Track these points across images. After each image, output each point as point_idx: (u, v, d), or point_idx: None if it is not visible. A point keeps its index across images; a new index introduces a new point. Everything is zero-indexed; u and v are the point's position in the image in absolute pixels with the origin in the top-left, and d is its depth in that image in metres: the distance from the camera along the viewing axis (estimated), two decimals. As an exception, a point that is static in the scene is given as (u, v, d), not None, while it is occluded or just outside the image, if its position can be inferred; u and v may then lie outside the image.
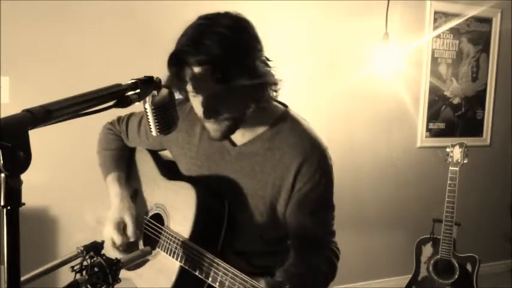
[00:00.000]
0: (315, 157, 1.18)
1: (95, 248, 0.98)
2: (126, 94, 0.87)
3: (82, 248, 0.98)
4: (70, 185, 2.43)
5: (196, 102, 1.11)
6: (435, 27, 3.30)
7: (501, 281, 3.54)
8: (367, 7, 3.04)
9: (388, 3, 3.04)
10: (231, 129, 1.16)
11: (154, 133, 0.98)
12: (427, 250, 2.75)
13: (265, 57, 1.14)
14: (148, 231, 1.34)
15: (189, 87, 1.08)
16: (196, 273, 1.14)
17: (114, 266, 0.98)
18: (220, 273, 1.09)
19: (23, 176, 0.65)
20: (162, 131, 0.98)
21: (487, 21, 3.51)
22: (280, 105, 1.26)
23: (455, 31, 3.40)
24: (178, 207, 1.25)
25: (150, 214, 1.35)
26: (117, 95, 0.84)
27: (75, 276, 0.94)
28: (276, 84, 1.15)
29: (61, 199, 2.45)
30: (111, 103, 0.83)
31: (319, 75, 2.99)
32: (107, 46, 2.50)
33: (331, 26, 2.99)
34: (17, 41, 2.31)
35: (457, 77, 3.46)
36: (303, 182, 1.17)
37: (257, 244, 1.28)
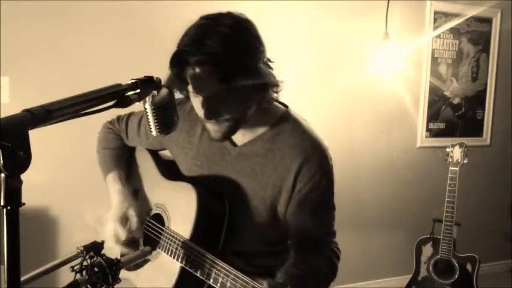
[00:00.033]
0: (315, 158, 1.18)
1: (95, 248, 0.98)
2: (126, 94, 0.87)
3: (82, 248, 0.98)
4: (70, 185, 2.43)
5: (197, 103, 1.11)
6: (435, 27, 3.30)
7: (501, 281, 3.54)
8: (367, 7, 3.04)
9: (388, 3, 3.04)
10: (232, 130, 1.16)
11: (154, 133, 0.98)
12: (427, 250, 2.75)
13: (267, 58, 1.14)
14: (148, 231, 1.34)
15: (190, 88, 1.08)
16: (198, 274, 1.14)
17: (114, 266, 0.98)
18: (222, 275, 1.09)
19: (23, 176, 0.65)
20: (162, 131, 0.98)
21: (487, 21, 3.51)
22: (280, 106, 1.26)
23: (455, 31, 3.40)
24: (178, 208, 1.25)
25: (150, 214, 1.35)
26: (117, 95, 0.84)
27: (75, 276, 0.94)
28: (277, 85, 1.15)
29: (61, 199, 2.45)
30: (111, 103, 0.83)
31: (319, 75, 2.99)
32: (107, 46, 2.50)
33: (331, 26, 2.99)
34: (17, 41, 2.31)
35: (457, 77, 3.46)
36: (303, 182, 1.17)
37: (257, 244, 1.28)
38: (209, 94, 1.06)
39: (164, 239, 1.25)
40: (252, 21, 1.12)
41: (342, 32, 3.00)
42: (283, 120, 1.22)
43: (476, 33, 3.49)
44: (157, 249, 1.26)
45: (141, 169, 1.46)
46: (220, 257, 1.14)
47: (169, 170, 1.37)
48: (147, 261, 1.29)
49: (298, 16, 2.90)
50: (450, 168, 2.64)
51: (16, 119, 0.66)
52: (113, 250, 1.32)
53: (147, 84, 0.91)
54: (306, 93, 2.87)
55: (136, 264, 1.25)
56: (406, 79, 3.22)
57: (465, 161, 2.62)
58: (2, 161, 0.62)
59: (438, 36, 3.34)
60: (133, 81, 0.89)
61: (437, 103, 3.41)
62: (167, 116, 0.97)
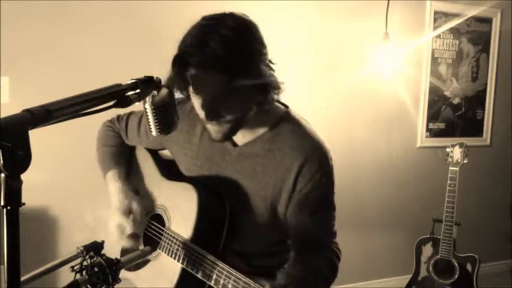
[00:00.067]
0: (315, 158, 1.18)
1: (95, 248, 0.98)
2: (126, 94, 0.86)
3: (82, 248, 0.98)
4: (70, 185, 2.43)
5: (198, 104, 1.11)
6: (435, 27, 3.30)
7: (501, 281, 3.54)
8: (367, 7, 3.04)
9: (388, 3, 3.04)
10: (233, 131, 1.16)
11: (154, 133, 0.98)
12: (427, 250, 2.75)
13: (269, 60, 1.14)
14: (149, 231, 1.34)
15: (192, 88, 1.08)
16: (199, 276, 1.14)
17: (114, 266, 0.98)
18: (223, 276, 1.09)
19: (23, 176, 0.65)
20: (162, 131, 0.98)
21: (487, 21, 3.51)
22: (281, 106, 1.26)
23: (455, 31, 3.40)
24: (179, 209, 1.25)
25: (151, 214, 1.35)
26: (117, 95, 0.84)
27: (75, 276, 0.94)
28: (279, 88, 1.15)
29: (61, 199, 2.45)
30: (111, 103, 0.83)
31: (319, 75, 2.99)
32: (107, 46, 2.50)
33: (331, 26, 2.99)
34: (17, 41, 2.31)
35: (457, 77, 3.46)
36: (303, 182, 1.17)
37: (257, 244, 1.28)
38: (211, 95, 1.06)
39: (165, 239, 1.25)
40: (255, 22, 1.11)
41: (342, 32, 3.00)
42: (283, 120, 1.22)
43: (476, 33, 3.48)
44: (158, 249, 1.26)
45: (141, 169, 1.46)
46: (220, 257, 1.14)
47: (169, 170, 1.37)
48: (147, 261, 1.29)
49: (298, 16, 2.90)
50: (450, 168, 2.64)
51: (16, 119, 0.66)
52: (118, 245, 1.31)
53: (147, 84, 0.91)
54: (306, 93, 2.87)
55: (136, 264, 1.25)
56: (406, 79, 3.22)
57: (465, 161, 2.62)
58: (2, 161, 0.62)
59: (438, 36, 3.33)
60: (133, 81, 0.89)
61: (437, 103, 3.41)
62: (167, 116, 0.97)
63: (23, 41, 2.34)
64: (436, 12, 3.28)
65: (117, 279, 0.98)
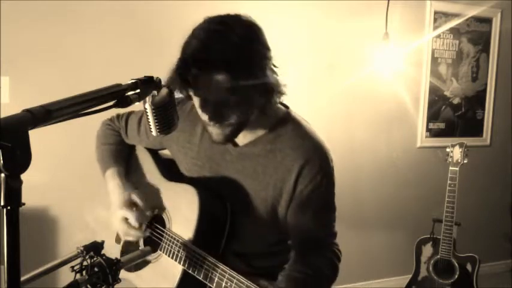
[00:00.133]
0: (316, 159, 1.18)
1: (95, 248, 0.98)
2: (126, 94, 0.86)
3: (82, 248, 0.98)
4: (70, 185, 2.43)
5: (201, 106, 1.11)
6: (435, 27, 3.30)
7: (501, 281, 3.54)
8: (367, 7, 3.04)
9: (388, 3, 3.04)
10: (234, 133, 1.17)
11: (154, 133, 0.98)
12: (427, 250, 2.75)
13: (273, 64, 1.14)
14: (149, 232, 1.33)
15: (195, 91, 1.08)
16: (200, 278, 1.14)
17: (114, 266, 0.98)
18: (225, 279, 1.09)
19: (23, 176, 0.65)
20: (162, 131, 0.98)
21: (487, 21, 3.51)
22: (281, 107, 1.26)
23: (455, 31, 3.40)
24: (180, 210, 1.25)
25: (156, 210, 1.35)
26: (117, 95, 0.84)
27: (75, 276, 0.94)
28: (282, 92, 1.15)
29: (61, 199, 2.45)
30: (111, 103, 0.83)
31: (319, 75, 2.99)
32: (107, 46, 2.50)
33: (331, 26, 2.99)
34: (17, 41, 2.31)
35: (457, 77, 3.46)
36: (304, 184, 1.17)
37: (257, 245, 1.28)
38: (215, 99, 1.06)
39: (165, 240, 1.25)
40: (260, 26, 1.11)
41: (342, 32, 3.00)
42: (284, 121, 1.22)
43: (476, 33, 3.48)
44: (159, 251, 1.26)
45: (141, 169, 1.46)
46: (221, 258, 1.13)
47: (169, 170, 1.37)
48: (147, 262, 1.29)
49: (298, 16, 2.90)
50: (450, 168, 2.64)
51: (16, 119, 0.66)
52: (123, 237, 1.30)
53: (147, 84, 0.91)
54: (306, 93, 2.87)
55: (136, 264, 1.25)
56: (406, 79, 3.22)
57: (465, 161, 2.62)
58: (2, 161, 0.62)
59: (438, 36, 3.33)
60: (133, 81, 0.89)
61: (437, 103, 3.40)
62: (167, 116, 0.97)
63: (23, 41, 2.34)
64: (436, 12, 3.28)
65: (117, 279, 0.98)
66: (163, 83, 0.97)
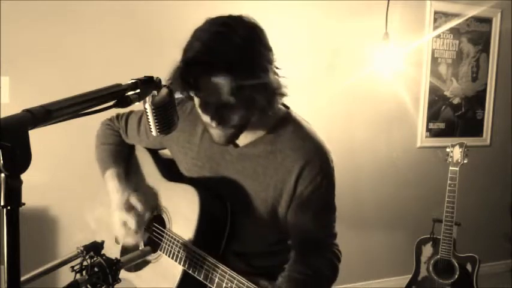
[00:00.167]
0: (316, 160, 1.18)
1: (95, 248, 0.98)
2: (126, 94, 0.86)
3: (82, 248, 0.97)
4: (70, 185, 2.43)
5: (203, 108, 1.11)
6: (435, 27, 3.30)
7: (501, 281, 3.54)
8: (367, 7, 3.04)
9: (388, 3, 3.04)
10: (236, 135, 1.17)
11: (154, 133, 0.98)
12: (427, 250, 2.75)
13: (275, 65, 1.14)
14: (149, 232, 1.33)
15: (198, 93, 1.08)
16: (200, 278, 1.14)
17: (114, 266, 0.98)
18: (226, 280, 1.09)
19: (23, 176, 0.65)
20: (162, 131, 0.98)
21: (487, 21, 3.51)
22: (282, 107, 1.25)
23: (455, 31, 3.40)
24: (180, 211, 1.25)
25: (153, 214, 1.35)
26: (117, 95, 0.84)
27: (75, 276, 0.94)
28: (284, 94, 1.15)
29: (61, 199, 2.45)
30: (111, 103, 0.83)
31: (319, 75, 2.99)
32: (107, 46, 2.50)
33: (331, 26, 2.99)
34: (17, 41, 2.31)
35: (457, 77, 3.46)
36: (304, 185, 1.17)
37: (257, 245, 1.28)
38: (217, 101, 1.06)
39: (165, 241, 1.25)
40: (262, 27, 1.11)
41: (342, 32, 3.00)
42: (284, 121, 1.22)
43: (476, 33, 3.48)
44: (159, 251, 1.26)
45: (141, 169, 1.46)
46: (221, 258, 1.13)
47: (169, 170, 1.37)
48: (147, 262, 1.29)
49: (298, 16, 2.90)
50: (450, 168, 2.64)
51: (16, 119, 0.66)
52: (122, 240, 1.30)
53: (147, 84, 0.91)
54: (306, 93, 2.87)
55: (136, 265, 1.25)
56: (406, 79, 3.22)
57: (465, 161, 2.62)
58: (2, 161, 0.62)
59: (438, 36, 3.33)
60: (133, 81, 0.89)
61: (437, 103, 3.40)
62: (167, 116, 0.97)
63: (23, 41, 2.34)
64: (436, 12, 3.28)
65: (117, 279, 0.98)
66: (163, 83, 0.97)
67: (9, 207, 0.63)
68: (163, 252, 1.24)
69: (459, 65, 3.45)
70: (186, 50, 1.07)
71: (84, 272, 0.95)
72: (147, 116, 0.97)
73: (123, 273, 1.05)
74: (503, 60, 3.58)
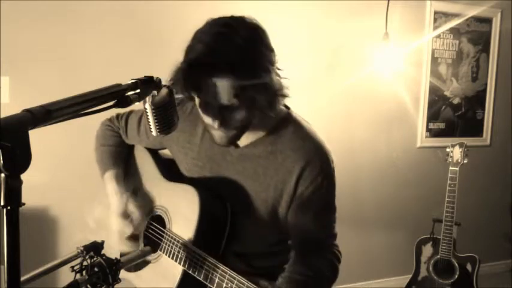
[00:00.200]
0: (317, 160, 1.18)
1: (95, 248, 0.98)
2: (126, 94, 0.86)
3: (82, 248, 0.97)
4: (70, 185, 2.43)
5: (205, 109, 1.10)
6: (435, 27, 3.30)
7: (501, 281, 3.54)
8: (367, 7, 3.04)
9: (388, 3, 3.04)
10: (238, 136, 1.17)
11: (154, 133, 0.98)
12: (427, 250, 2.75)
13: (277, 67, 1.13)
14: (149, 233, 1.33)
15: (199, 94, 1.08)
16: (201, 279, 1.14)
17: (114, 266, 0.98)
18: (226, 280, 1.09)
19: (23, 176, 0.65)
20: (162, 131, 0.98)
21: (487, 21, 3.51)
22: (282, 107, 1.25)
23: (455, 31, 3.40)
24: (180, 211, 1.25)
25: (151, 215, 1.35)
26: (117, 95, 0.84)
27: (75, 276, 0.94)
28: (285, 95, 1.15)
29: (61, 199, 2.45)
30: (111, 103, 0.83)
31: (319, 75, 2.99)
32: (107, 46, 2.50)
33: (331, 26, 2.99)
34: (17, 41, 2.31)
35: (457, 77, 3.46)
36: (305, 185, 1.17)
37: (258, 245, 1.28)
38: (219, 102, 1.06)
39: (165, 241, 1.25)
40: (264, 28, 1.11)
41: (342, 32, 3.00)
42: (285, 122, 1.22)
43: (476, 33, 3.48)
44: (159, 251, 1.26)
45: (141, 169, 1.46)
46: (221, 259, 1.13)
47: (169, 170, 1.37)
48: (147, 262, 1.29)
49: (298, 16, 2.90)
50: (450, 168, 2.64)
51: (16, 119, 0.66)
52: (118, 247, 1.31)
53: (147, 84, 0.91)
54: (306, 93, 2.86)
55: (136, 265, 1.25)
56: (406, 79, 3.22)
57: (465, 161, 2.62)
58: (2, 161, 0.62)
59: (438, 36, 3.33)
60: (133, 81, 0.89)
61: (437, 103, 3.40)
62: (167, 116, 0.97)
63: (23, 41, 2.34)
64: (436, 12, 3.28)
65: (117, 279, 0.98)
66: (163, 83, 0.97)
67: (9, 207, 0.63)
68: (163, 252, 1.24)
69: (459, 65, 3.45)
70: (188, 52, 1.07)
71: (84, 272, 0.95)
72: (147, 116, 0.97)
73: (123, 273, 1.05)
74: (503, 60, 3.58)
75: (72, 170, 2.43)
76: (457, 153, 2.64)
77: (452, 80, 3.44)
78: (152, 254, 1.26)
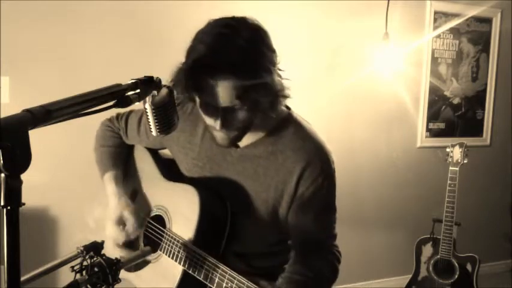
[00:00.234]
0: (318, 161, 1.18)
1: (95, 248, 0.98)
2: (126, 94, 0.86)
3: (82, 248, 0.97)
4: (70, 185, 2.43)
5: (207, 111, 1.10)
6: (435, 27, 3.30)
7: (501, 281, 3.54)
8: (367, 7, 3.04)
9: (388, 3, 3.04)
10: (239, 137, 1.17)
11: (154, 133, 0.98)
12: (427, 250, 2.75)
13: (279, 68, 1.13)
14: (149, 232, 1.33)
15: (201, 95, 1.08)
16: (201, 279, 1.14)
17: (114, 266, 0.98)
18: (226, 280, 1.09)
19: (23, 176, 0.65)
20: (162, 131, 0.98)
21: (487, 21, 3.51)
22: (283, 108, 1.25)
23: (455, 31, 3.39)
24: (180, 211, 1.25)
25: (151, 215, 1.35)
26: (117, 95, 0.84)
27: (75, 276, 0.94)
28: (287, 96, 1.15)
29: (61, 199, 2.45)
30: (111, 103, 0.83)
31: (319, 75, 2.99)
32: (107, 46, 2.50)
33: (331, 26, 2.99)
34: (17, 41, 2.31)
35: (457, 77, 3.46)
36: (305, 186, 1.17)
37: (258, 245, 1.28)
38: (221, 103, 1.06)
39: (165, 241, 1.25)
40: (265, 29, 1.11)
41: (342, 32, 3.00)
42: (285, 122, 1.22)
43: (476, 33, 3.48)
44: (159, 251, 1.26)
45: (141, 169, 1.46)
46: (221, 259, 1.13)
47: (170, 170, 1.37)
48: (147, 262, 1.29)
49: (298, 16, 2.90)
50: (450, 168, 2.64)
51: (16, 119, 0.66)
52: (112, 252, 1.31)
53: (147, 84, 0.91)
54: (306, 93, 2.86)
55: (136, 265, 1.25)
56: (406, 79, 3.22)
57: (465, 161, 2.62)
58: (2, 161, 0.62)
59: (438, 36, 3.33)
60: (133, 81, 0.89)
61: (437, 103, 3.40)
62: (167, 116, 0.97)
63: (23, 41, 2.34)
64: (436, 12, 3.28)
65: (117, 279, 0.98)
66: (163, 83, 0.97)
67: (9, 207, 0.63)
68: (163, 252, 1.24)
69: (459, 65, 3.45)
70: (189, 52, 1.07)
71: (84, 272, 0.95)
72: (147, 116, 0.97)
73: (123, 273, 1.05)
74: (503, 60, 3.58)
75: (72, 170, 2.43)
76: (457, 153, 2.64)
77: (452, 80, 3.44)
78: (152, 254, 1.26)
